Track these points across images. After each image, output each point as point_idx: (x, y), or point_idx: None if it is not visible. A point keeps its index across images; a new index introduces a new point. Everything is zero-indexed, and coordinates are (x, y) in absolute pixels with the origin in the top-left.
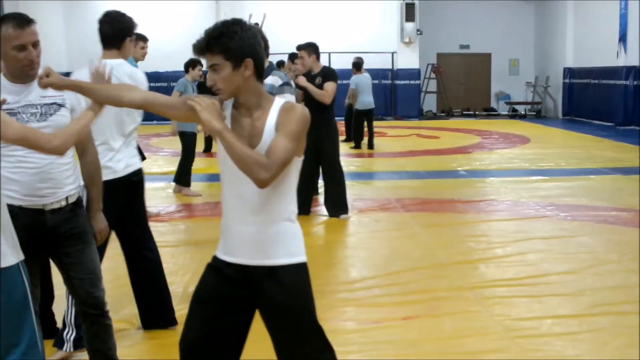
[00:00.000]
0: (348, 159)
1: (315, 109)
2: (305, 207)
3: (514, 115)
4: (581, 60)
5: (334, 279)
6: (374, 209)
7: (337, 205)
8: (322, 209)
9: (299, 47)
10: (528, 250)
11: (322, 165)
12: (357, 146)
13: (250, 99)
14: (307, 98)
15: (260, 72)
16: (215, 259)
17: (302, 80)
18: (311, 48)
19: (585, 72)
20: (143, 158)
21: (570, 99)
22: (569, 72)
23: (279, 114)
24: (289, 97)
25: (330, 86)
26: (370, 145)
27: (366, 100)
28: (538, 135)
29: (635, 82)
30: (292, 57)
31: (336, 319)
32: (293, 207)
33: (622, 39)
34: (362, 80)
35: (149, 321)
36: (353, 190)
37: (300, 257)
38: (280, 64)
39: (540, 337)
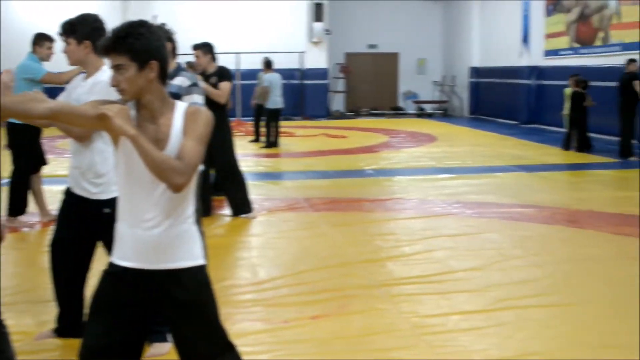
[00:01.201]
0: (256, 159)
1: (211, 109)
2: (206, 208)
3: (421, 114)
4: (486, 60)
5: (241, 280)
6: (282, 209)
7: (239, 205)
8: (227, 210)
9: (195, 47)
10: (435, 247)
11: (219, 166)
12: (270, 145)
13: (154, 102)
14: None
15: (164, 75)
16: (111, 265)
17: None
18: (206, 48)
19: (490, 71)
20: (44, 163)
21: (476, 98)
22: (475, 72)
23: (184, 118)
24: (198, 99)
25: (225, 86)
26: (275, 144)
27: (278, 99)
28: (445, 133)
29: (537, 82)
30: None
31: (245, 320)
32: (192, 209)
33: (525, 39)
34: (275, 79)
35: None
36: (261, 190)
37: (201, 260)
38: (192, 65)
39: (448, 333)
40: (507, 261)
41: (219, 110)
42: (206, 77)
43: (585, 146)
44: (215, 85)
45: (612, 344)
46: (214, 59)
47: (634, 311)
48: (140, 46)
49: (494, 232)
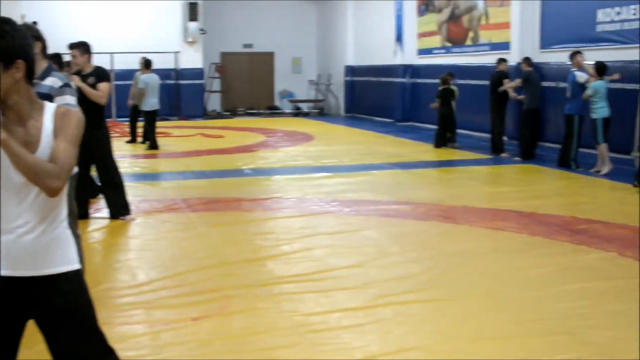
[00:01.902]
0: (133, 160)
1: (88, 109)
2: (82, 211)
3: (297, 113)
4: (362, 59)
5: (120, 282)
6: (160, 210)
7: (118, 207)
8: (104, 212)
9: (71, 46)
10: (314, 246)
11: (97, 167)
12: (153, 147)
13: (21, 103)
14: (79, 99)
15: (31, 75)
16: None
17: (76, 80)
18: (83, 47)
19: (366, 70)
20: None
21: (351, 97)
22: (350, 70)
23: (54, 119)
24: (70, 99)
25: (104, 87)
26: (156, 146)
27: (154, 100)
28: (321, 132)
29: (411, 80)
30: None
31: (124, 324)
32: (66, 212)
33: (399, 38)
34: (153, 80)
35: None
36: (138, 192)
37: (76, 264)
38: (66, 64)
39: (329, 331)
40: (385, 258)
41: (96, 111)
42: (83, 77)
43: (450, 140)
44: (93, 86)
45: (489, 336)
46: (90, 58)
47: (509, 303)
48: (5, 45)
49: (372, 230)
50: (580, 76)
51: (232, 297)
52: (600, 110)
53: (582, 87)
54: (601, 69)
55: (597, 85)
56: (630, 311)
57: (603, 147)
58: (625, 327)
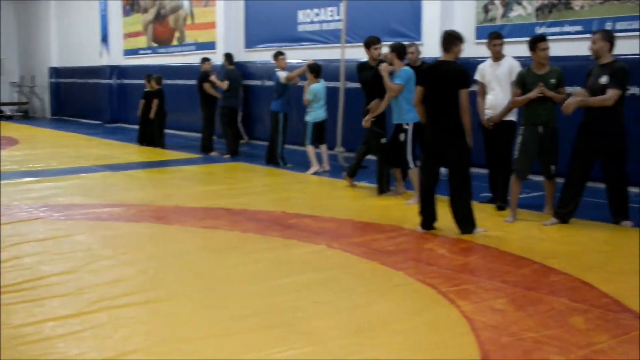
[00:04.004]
0: None
1: None
2: None
3: (0, 116)
4: (67, 60)
5: None
6: None
7: None
8: None
9: None
10: (24, 253)
11: None
12: None
13: None
14: None
15: None
16: None
17: None
18: None
19: (72, 71)
20: None
21: (57, 99)
22: (55, 72)
23: None
24: None
25: None
26: None
27: None
28: (27, 136)
29: (118, 81)
30: None
31: None
32: None
33: (104, 38)
34: None
35: None
36: None
37: None
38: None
39: (43, 341)
40: (98, 262)
41: None
42: None
43: (159, 144)
44: None
45: (208, 334)
46: None
47: (226, 300)
48: None
49: (83, 234)
50: (281, 76)
51: None
52: (313, 114)
53: (285, 86)
54: (317, 70)
55: (316, 89)
56: (339, 300)
57: (309, 148)
58: (334, 315)
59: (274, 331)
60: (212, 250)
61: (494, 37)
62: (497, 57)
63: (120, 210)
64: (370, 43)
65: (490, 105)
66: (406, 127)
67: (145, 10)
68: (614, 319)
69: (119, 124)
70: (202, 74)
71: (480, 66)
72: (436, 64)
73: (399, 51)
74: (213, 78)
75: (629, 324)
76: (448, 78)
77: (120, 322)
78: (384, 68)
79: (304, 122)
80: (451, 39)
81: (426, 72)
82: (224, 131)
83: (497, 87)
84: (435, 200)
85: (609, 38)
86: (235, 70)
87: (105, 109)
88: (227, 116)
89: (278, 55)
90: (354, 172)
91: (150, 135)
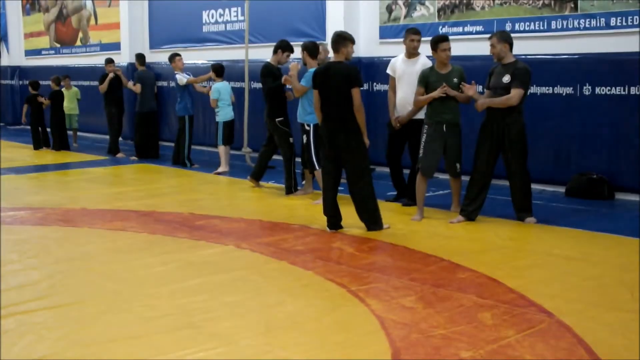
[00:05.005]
0: None
1: None
2: None
3: None
4: None
5: None
6: None
7: None
8: None
9: None
10: None
11: None
12: None
13: None
14: None
15: None
16: None
17: None
18: None
19: None
20: None
21: None
22: None
23: None
24: None
25: None
26: None
27: None
28: None
29: (20, 82)
30: None
31: None
32: None
33: (4, 38)
34: None
35: None
36: None
37: None
38: None
39: None
40: (4, 266)
41: None
42: None
43: (63, 146)
44: None
45: (117, 337)
46: None
47: (134, 302)
48: None
49: None
50: (180, 79)
51: None
52: (222, 113)
53: (185, 88)
54: (219, 70)
55: (219, 87)
56: (249, 301)
57: (222, 148)
58: (243, 315)
59: (184, 332)
60: (121, 252)
61: (413, 32)
62: (413, 53)
63: (26, 214)
64: (282, 48)
65: (398, 104)
66: (307, 128)
67: (47, 10)
68: (520, 314)
69: (22, 126)
70: (102, 75)
71: (393, 60)
72: (326, 66)
73: (311, 50)
74: (129, 84)
75: (535, 317)
76: (339, 79)
77: (28, 328)
78: (292, 67)
79: (213, 122)
80: (340, 40)
81: (318, 75)
82: (136, 133)
83: (406, 84)
84: (337, 200)
85: (507, 38)
86: (147, 71)
87: (7, 111)
88: (150, 121)
89: (174, 57)
90: (259, 176)
91: (47, 137)
